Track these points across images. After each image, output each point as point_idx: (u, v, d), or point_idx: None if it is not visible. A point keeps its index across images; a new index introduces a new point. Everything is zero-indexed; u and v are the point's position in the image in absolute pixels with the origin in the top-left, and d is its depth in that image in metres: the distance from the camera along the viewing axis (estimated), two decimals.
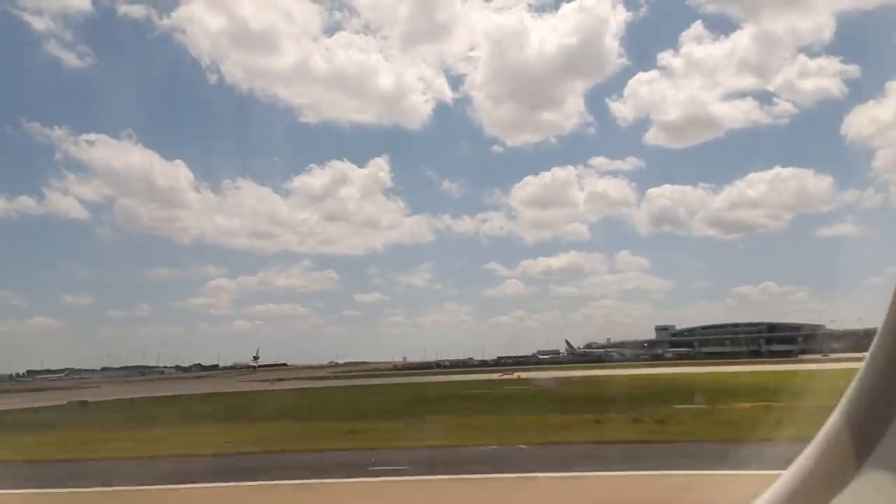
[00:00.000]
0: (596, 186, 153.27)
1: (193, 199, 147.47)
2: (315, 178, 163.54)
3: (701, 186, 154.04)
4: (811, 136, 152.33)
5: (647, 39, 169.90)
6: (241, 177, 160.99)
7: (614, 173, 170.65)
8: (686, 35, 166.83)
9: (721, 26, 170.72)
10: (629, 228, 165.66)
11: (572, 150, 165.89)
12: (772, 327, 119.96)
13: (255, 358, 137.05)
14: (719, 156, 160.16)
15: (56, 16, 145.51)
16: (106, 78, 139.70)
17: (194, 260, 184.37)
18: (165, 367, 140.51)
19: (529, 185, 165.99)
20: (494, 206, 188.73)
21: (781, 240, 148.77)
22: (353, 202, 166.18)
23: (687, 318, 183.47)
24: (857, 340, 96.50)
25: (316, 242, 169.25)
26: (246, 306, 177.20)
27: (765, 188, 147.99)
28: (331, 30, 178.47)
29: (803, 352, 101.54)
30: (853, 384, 1.51)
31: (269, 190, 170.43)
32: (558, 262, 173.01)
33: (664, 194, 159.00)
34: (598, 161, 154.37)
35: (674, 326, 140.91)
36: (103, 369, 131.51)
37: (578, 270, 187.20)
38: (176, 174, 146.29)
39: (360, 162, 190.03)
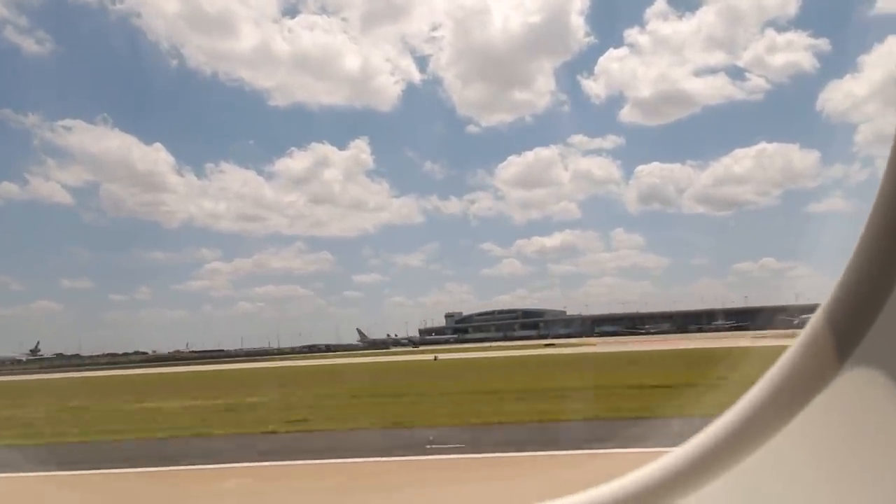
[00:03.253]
0: (579, 165, 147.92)
1: (177, 182, 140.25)
2: (297, 161, 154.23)
3: (689, 164, 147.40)
4: (789, 111, 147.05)
5: (613, 16, 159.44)
6: (223, 160, 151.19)
7: (597, 152, 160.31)
8: (651, 12, 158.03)
9: (686, 2, 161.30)
10: (619, 207, 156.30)
11: (549, 128, 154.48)
12: (526, 314, 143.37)
13: (34, 350, 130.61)
14: (700, 133, 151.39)
15: (8, 2, 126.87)
16: (69, 63, 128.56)
17: (186, 244, 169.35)
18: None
19: (513, 166, 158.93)
20: (481, 186, 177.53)
21: (773, 216, 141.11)
22: (337, 184, 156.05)
23: (690, 295, 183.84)
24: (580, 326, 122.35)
25: (306, 225, 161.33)
26: (246, 288, 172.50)
27: (751, 164, 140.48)
28: (289, 12, 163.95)
29: (542, 336, 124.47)
30: (836, 284, 1.48)
31: (252, 173, 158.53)
32: (552, 241, 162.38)
33: (653, 172, 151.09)
34: (578, 139, 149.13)
35: (460, 313, 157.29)
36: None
37: (573, 249, 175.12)
38: (156, 158, 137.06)
39: (340, 144, 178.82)
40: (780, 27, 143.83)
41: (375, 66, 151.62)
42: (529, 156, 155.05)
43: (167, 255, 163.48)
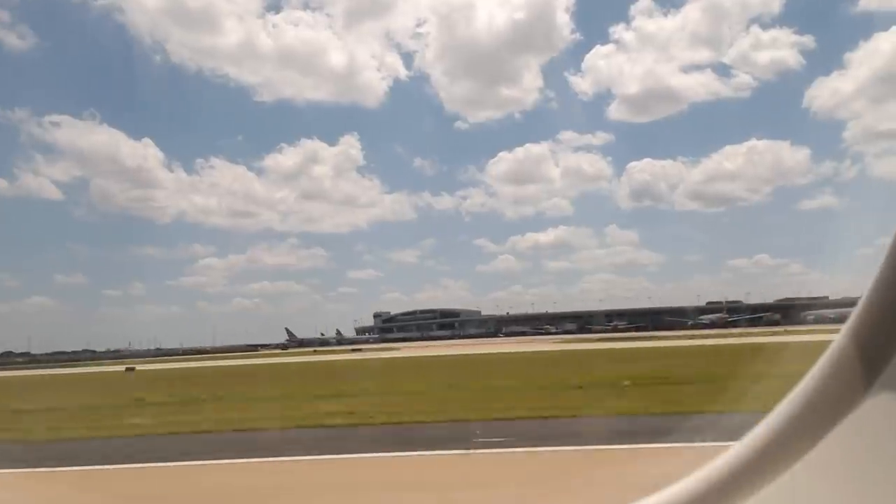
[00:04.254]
0: (570, 161, 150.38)
1: (167, 178, 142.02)
2: (286, 157, 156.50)
3: (680, 160, 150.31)
4: (776, 108, 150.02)
5: (598, 13, 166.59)
6: (213, 155, 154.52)
7: (586, 148, 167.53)
8: (636, 8, 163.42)
9: None
10: (611, 203, 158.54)
11: (538, 125, 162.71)
12: (443, 314, 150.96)
13: None
14: (689, 129, 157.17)
15: None
16: (53, 59, 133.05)
17: (179, 239, 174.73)
18: None
19: (504, 162, 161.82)
20: (472, 182, 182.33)
21: (764, 213, 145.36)
22: (328, 180, 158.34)
23: (684, 291, 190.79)
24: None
25: (298, 221, 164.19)
26: (241, 284, 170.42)
27: (741, 161, 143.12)
28: (273, 7, 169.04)
29: (455, 336, 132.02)
30: (861, 303, 1.42)
31: (243, 169, 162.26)
32: (546, 237, 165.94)
33: (644, 168, 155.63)
34: (567, 136, 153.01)
35: (388, 313, 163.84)
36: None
37: (567, 245, 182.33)
38: (145, 153, 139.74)
39: (330, 140, 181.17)
40: (765, 24, 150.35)
41: (361, 61, 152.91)
42: (520, 152, 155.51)
43: (160, 251, 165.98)
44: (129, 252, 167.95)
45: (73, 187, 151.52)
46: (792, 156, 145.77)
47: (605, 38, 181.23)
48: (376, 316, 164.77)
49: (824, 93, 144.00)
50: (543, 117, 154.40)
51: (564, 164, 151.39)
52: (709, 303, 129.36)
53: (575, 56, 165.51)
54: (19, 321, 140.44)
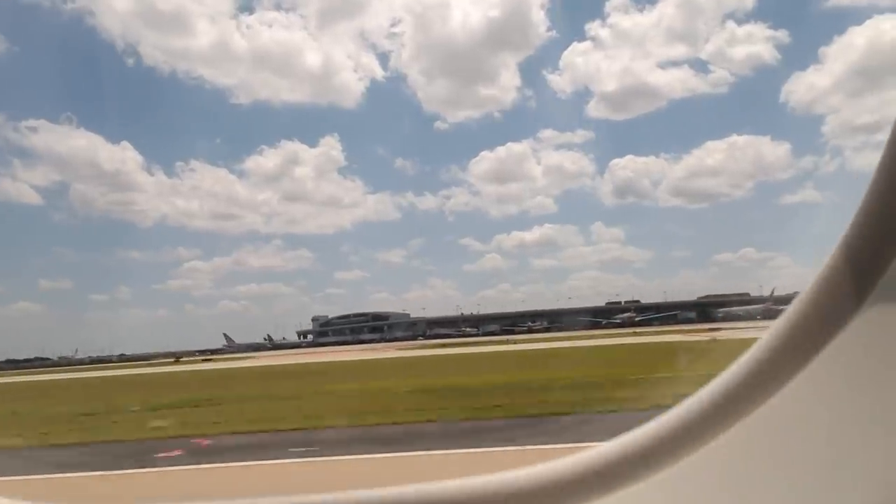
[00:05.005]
0: (551, 160, 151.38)
1: (147, 181, 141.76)
2: (267, 159, 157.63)
3: (662, 157, 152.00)
4: (754, 104, 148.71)
5: (573, 10, 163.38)
6: (193, 158, 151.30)
7: (568, 146, 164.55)
8: (610, 5, 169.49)
9: None
10: (594, 201, 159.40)
11: (518, 124, 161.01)
12: (374, 317, 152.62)
13: None
14: (669, 126, 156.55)
15: None
16: (26, 63, 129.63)
17: (163, 243, 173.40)
18: None
19: (485, 161, 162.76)
20: (455, 182, 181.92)
21: (748, 208, 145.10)
22: (310, 182, 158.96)
23: (672, 287, 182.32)
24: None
25: (282, 222, 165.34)
26: (228, 287, 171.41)
27: (723, 157, 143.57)
28: (246, 8, 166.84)
29: (385, 339, 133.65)
30: (852, 222, 1.43)
31: (224, 171, 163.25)
32: (532, 235, 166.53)
33: (627, 166, 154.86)
34: (548, 134, 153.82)
35: (326, 317, 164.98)
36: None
37: (553, 243, 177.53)
38: (123, 157, 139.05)
39: (310, 142, 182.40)
40: (739, 19, 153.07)
41: (337, 62, 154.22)
42: (501, 151, 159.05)
43: (144, 255, 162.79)
44: (113, 256, 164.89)
45: (52, 192, 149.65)
46: (773, 151, 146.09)
47: (581, 36, 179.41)
48: (314, 320, 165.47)
49: (801, 87, 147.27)
50: (523, 116, 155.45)
51: (546, 162, 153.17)
52: (626, 301, 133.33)
53: (552, 54, 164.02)
54: (5, 327, 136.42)
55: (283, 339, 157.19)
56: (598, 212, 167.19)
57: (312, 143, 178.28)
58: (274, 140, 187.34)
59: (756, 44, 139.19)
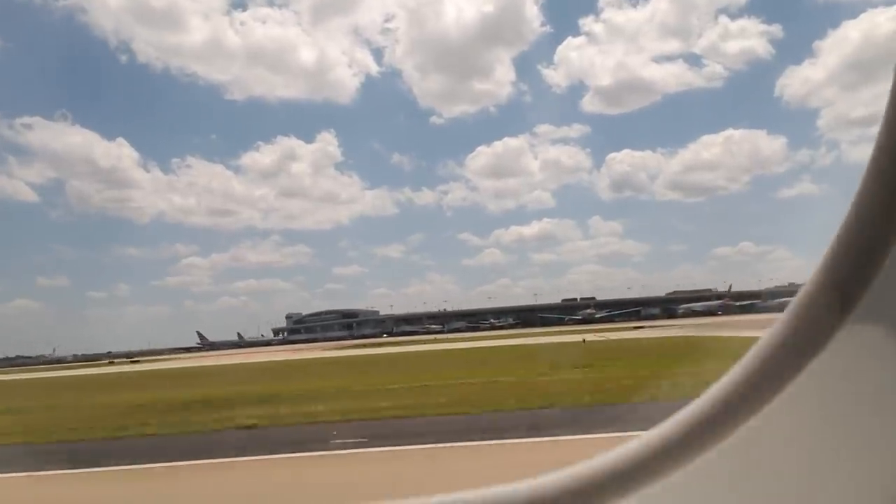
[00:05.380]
0: (548, 154, 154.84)
1: (143, 178, 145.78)
2: (264, 155, 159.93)
3: (659, 151, 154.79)
4: (749, 98, 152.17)
5: (567, 5, 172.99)
6: (189, 154, 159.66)
7: (564, 141, 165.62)
8: (604, 0, 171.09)
9: None
10: (591, 195, 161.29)
11: (514, 119, 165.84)
12: (345, 314, 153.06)
13: None
14: (664, 120, 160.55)
15: None
16: (20, 60, 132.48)
17: (160, 239, 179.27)
18: None
19: (482, 156, 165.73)
20: (452, 177, 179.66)
21: (745, 201, 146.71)
22: (307, 177, 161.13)
23: (669, 281, 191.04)
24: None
25: (279, 218, 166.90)
26: (227, 283, 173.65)
27: (719, 151, 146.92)
28: (239, 4, 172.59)
29: (353, 336, 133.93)
30: (834, 240, 1.41)
31: (220, 167, 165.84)
32: (530, 230, 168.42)
33: (624, 160, 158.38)
34: (544, 129, 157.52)
35: (300, 314, 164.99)
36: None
37: (552, 237, 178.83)
38: (119, 153, 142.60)
39: (307, 137, 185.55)
40: (733, 14, 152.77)
41: (332, 58, 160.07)
42: (498, 146, 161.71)
43: (142, 251, 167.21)
44: (111, 253, 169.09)
45: (48, 189, 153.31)
46: (769, 144, 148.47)
47: (575, 31, 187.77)
48: (288, 317, 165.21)
49: (795, 81, 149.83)
50: (519, 111, 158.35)
51: (543, 156, 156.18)
52: (582, 299, 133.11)
53: (546, 49, 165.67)
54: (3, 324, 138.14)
55: (262, 336, 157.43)
56: (596, 206, 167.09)
57: (309, 139, 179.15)
58: (270, 136, 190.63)
59: (750, 38, 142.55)
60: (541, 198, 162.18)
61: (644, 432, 1.55)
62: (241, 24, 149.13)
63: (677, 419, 1.54)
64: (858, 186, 1.39)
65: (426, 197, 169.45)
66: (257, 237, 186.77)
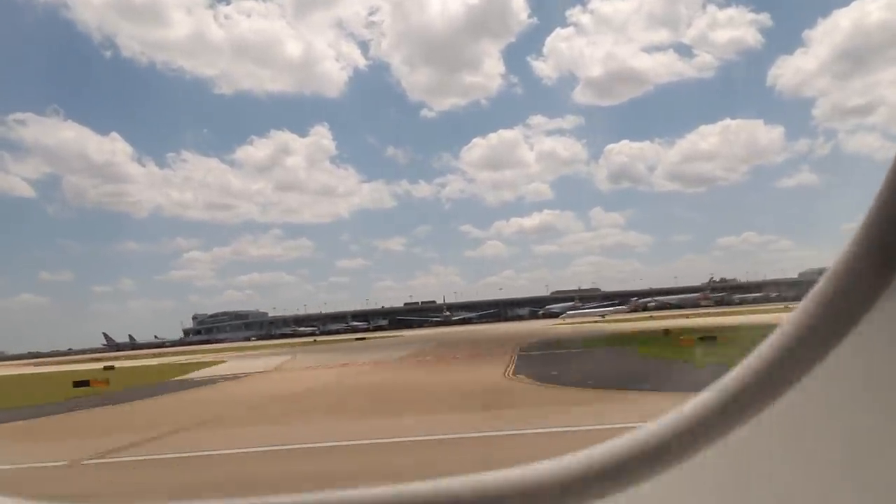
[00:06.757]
0: (544, 146, 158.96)
1: (138, 172, 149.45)
2: (258, 149, 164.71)
3: (657, 142, 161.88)
4: (741, 87, 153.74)
5: None
6: (183, 149, 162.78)
7: (559, 132, 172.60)
8: None
9: None
10: (590, 186, 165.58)
11: (506, 111, 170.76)
12: (237, 315, 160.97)
13: None
14: (659, 110, 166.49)
15: None
16: (5, 57, 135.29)
17: (160, 234, 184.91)
18: None
19: (478, 148, 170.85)
20: (449, 169, 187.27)
21: (744, 191, 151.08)
22: (302, 171, 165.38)
23: (675, 271, 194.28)
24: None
25: (279, 212, 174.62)
26: (230, 276, 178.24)
27: (717, 141, 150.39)
28: None
29: (247, 338, 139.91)
30: (852, 238, 1.38)
31: (216, 161, 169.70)
32: (531, 221, 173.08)
33: (622, 151, 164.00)
34: (538, 120, 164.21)
35: (205, 314, 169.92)
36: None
37: (553, 229, 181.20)
38: (113, 148, 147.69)
39: (300, 131, 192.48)
40: (720, 3, 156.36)
41: (318, 51, 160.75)
42: (493, 138, 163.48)
43: (142, 246, 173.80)
44: (112, 248, 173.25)
45: (44, 184, 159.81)
46: (766, 134, 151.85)
47: (563, 22, 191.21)
48: (194, 318, 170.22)
49: (787, 71, 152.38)
50: (510, 103, 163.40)
51: (539, 148, 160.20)
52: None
53: (535, 40, 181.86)
54: (9, 319, 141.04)
55: (155, 337, 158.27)
56: (596, 197, 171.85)
57: (302, 133, 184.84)
58: (262, 130, 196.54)
59: (738, 28, 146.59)
60: (539, 189, 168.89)
61: (640, 426, 1.53)
62: (226, 17, 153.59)
63: (675, 415, 1.51)
64: (881, 184, 1.36)
65: (424, 189, 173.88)
66: (258, 231, 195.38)
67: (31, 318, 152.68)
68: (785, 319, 1.47)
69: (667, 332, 37.47)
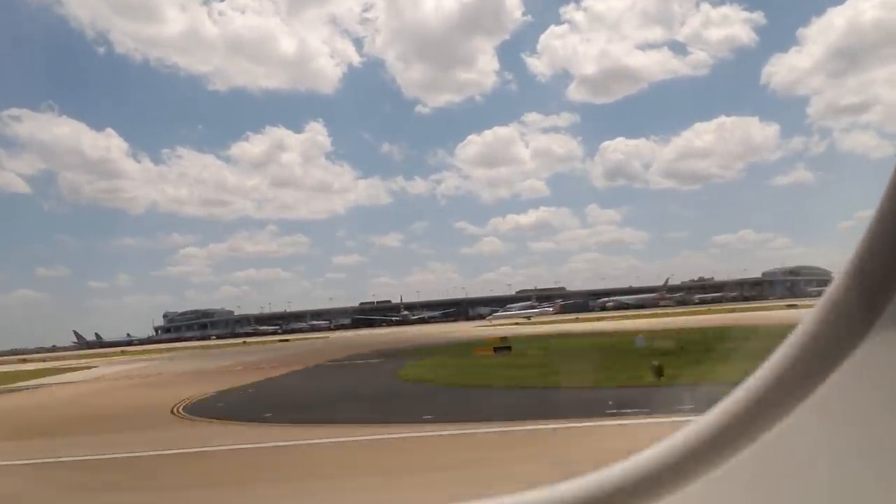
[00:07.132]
0: (539, 143, 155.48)
1: (133, 168, 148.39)
2: (253, 145, 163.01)
3: (652, 139, 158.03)
4: (736, 85, 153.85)
5: None
6: (178, 145, 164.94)
7: (554, 129, 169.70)
8: None
9: None
10: (585, 183, 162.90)
11: (500, 108, 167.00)
12: (204, 314, 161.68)
13: None
14: (654, 108, 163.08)
15: None
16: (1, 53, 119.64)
17: (156, 230, 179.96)
18: None
19: (473, 144, 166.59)
20: (444, 166, 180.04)
21: (739, 189, 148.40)
22: (298, 167, 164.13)
23: (671, 268, 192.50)
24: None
25: (274, 208, 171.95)
26: (227, 273, 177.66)
27: (712, 138, 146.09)
28: None
29: (207, 336, 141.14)
30: (860, 243, 1.38)
31: (211, 157, 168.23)
32: (527, 218, 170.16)
33: (617, 148, 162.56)
34: (533, 117, 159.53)
35: (176, 312, 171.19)
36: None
37: (549, 226, 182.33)
38: (108, 144, 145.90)
39: (295, 127, 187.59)
40: (714, 1, 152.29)
41: (313, 48, 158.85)
42: (488, 135, 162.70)
43: (138, 241, 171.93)
44: (108, 244, 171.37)
45: (39, 180, 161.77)
46: (761, 132, 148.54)
47: (556, 19, 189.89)
48: (164, 316, 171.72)
49: (782, 69, 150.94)
50: (505, 100, 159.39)
51: (534, 145, 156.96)
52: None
53: (529, 38, 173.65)
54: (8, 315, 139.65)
55: (126, 335, 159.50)
56: (591, 194, 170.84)
57: (297, 129, 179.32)
58: (257, 126, 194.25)
59: (732, 26, 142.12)
60: (535, 186, 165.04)
61: (633, 454, 1.53)
62: (220, 14, 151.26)
63: (698, 425, 1.50)
64: (886, 187, 1.36)
65: (419, 186, 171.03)
66: (254, 227, 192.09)
67: (28, 314, 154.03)
68: (805, 324, 1.47)
69: (503, 338, 37.28)
